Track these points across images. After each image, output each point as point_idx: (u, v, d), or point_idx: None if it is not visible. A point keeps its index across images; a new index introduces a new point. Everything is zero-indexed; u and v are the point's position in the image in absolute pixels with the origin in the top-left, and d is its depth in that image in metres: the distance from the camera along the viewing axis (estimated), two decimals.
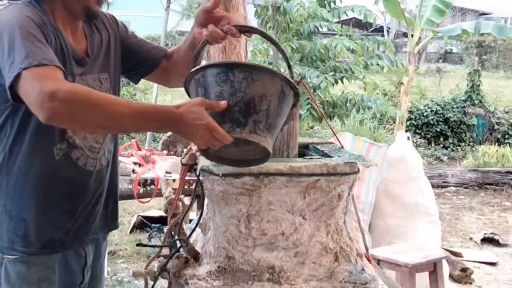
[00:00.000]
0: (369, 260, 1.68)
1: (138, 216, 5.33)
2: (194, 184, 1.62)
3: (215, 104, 1.29)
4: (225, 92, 1.29)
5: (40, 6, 1.57)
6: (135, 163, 3.81)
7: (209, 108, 1.29)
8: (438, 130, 10.44)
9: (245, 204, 1.45)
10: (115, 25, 1.80)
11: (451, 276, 4.40)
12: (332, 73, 7.63)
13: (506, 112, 10.91)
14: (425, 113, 10.59)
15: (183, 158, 1.72)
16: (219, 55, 4.43)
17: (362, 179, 4.10)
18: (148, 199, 3.64)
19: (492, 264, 4.97)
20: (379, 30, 21.19)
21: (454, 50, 23.97)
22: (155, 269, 1.55)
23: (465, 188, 7.71)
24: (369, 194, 4.14)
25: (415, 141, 9.79)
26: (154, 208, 5.64)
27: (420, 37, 9.76)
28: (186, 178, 1.71)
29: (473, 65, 11.99)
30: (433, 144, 10.35)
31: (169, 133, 4.52)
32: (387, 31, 22.01)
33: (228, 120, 1.29)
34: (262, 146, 1.30)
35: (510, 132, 10.43)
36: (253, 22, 9.02)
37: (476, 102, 10.70)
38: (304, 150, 1.84)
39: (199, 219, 1.61)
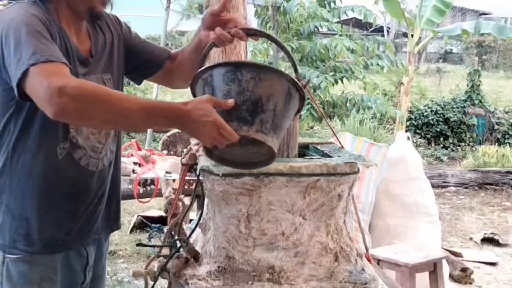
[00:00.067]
0: (369, 260, 1.68)
1: (138, 216, 5.33)
2: (194, 184, 1.62)
3: (222, 102, 1.29)
4: (233, 91, 1.29)
5: (45, 5, 1.57)
6: (135, 163, 3.82)
7: (217, 106, 1.29)
8: (438, 130, 10.43)
9: (245, 204, 1.45)
10: (118, 26, 1.81)
11: (451, 276, 4.39)
12: (332, 73, 7.62)
13: (506, 112, 10.90)
14: (425, 113, 10.58)
15: (183, 158, 1.72)
16: (219, 55, 4.41)
17: (362, 179, 4.10)
18: (148, 199, 3.64)
19: (492, 264, 4.96)
20: (379, 30, 21.18)
21: (454, 50, 23.95)
22: (155, 269, 1.55)
23: (465, 188, 7.70)
24: (369, 194, 4.14)
25: (415, 141, 9.78)
26: (154, 208, 5.63)
27: (420, 37, 9.76)
28: (186, 178, 1.71)
29: (473, 65, 11.97)
30: (433, 144, 10.35)
31: (169, 133, 4.52)
32: (387, 31, 21.99)
33: (235, 118, 1.28)
34: (268, 147, 1.30)
35: (510, 132, 10.42)
36: (253, 22, 9.03)
37: (476, 102, 10.70)
38: (304, 150, 1.84)
39: (199, 219, 1.61)
